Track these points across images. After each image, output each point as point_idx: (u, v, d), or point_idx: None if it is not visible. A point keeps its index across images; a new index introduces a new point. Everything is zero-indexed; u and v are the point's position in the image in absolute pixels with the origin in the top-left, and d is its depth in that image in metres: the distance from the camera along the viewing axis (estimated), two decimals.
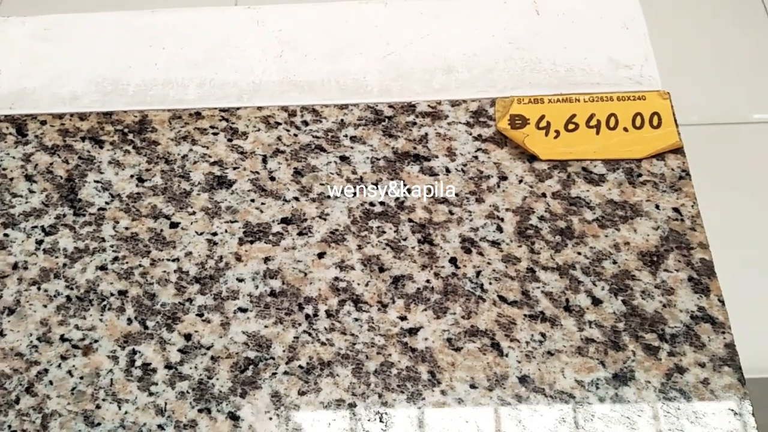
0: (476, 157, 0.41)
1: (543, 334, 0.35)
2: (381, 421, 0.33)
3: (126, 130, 0.43)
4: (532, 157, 0.40)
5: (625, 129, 0.41)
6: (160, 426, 0.33)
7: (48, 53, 0.47)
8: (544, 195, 0.39)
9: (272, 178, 0.41)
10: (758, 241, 1.26)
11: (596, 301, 0.35)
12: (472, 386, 0.33)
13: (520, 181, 0.40)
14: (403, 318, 0.36)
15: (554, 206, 0.39)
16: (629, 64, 0.44)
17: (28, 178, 0.42)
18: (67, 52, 0.47)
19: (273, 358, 0.35)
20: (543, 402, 0.33)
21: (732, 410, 0.32)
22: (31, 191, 0.41)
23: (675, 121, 0.41)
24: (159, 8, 0.50)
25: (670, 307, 0.35)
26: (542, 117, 0.41)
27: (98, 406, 0.34)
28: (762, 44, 1.58)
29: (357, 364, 0.34)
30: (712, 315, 0.35)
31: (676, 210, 0.38)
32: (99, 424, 0.34)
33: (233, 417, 0.33)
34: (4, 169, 0.42)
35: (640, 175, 0.39)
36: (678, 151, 0.40)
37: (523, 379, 0.33)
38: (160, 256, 0.38)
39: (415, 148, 0.41)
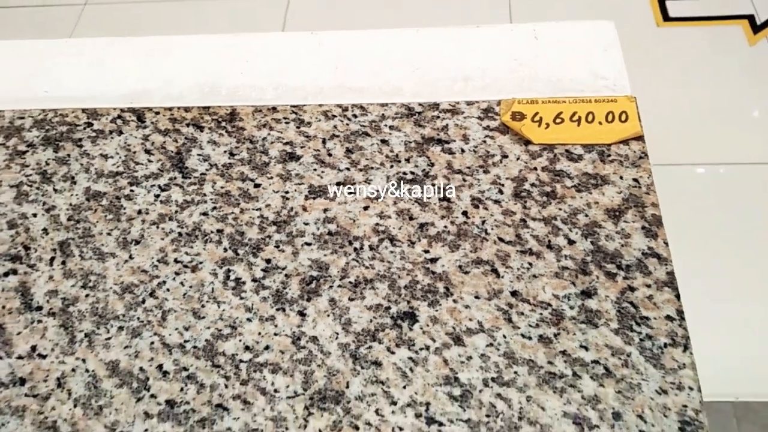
0: (484, 141, 0.53)
1: (530, 263, 0.47)
2: (408, 318, 0.45)
3: (220, 119, 0.57)
4: (527, 142, 0.53)
5: (600, 123, 0.53)
6: (248, 319, 0.46)
7: (159, 65, 0.62)
8: (535, 168, 0.52)
9: (329, 154, 0.54)
10: (724, 271, 1.36)
11: (571, 242, 0.47)
12: (476, 297, 0.45)
13: (517, 159, 0.52)
14: (426, 251, 0.48)
15: (542, 176, 0.51)
16: (606, 76, 0.57)
17: (147, 151, 0.56)
18: (172, 64, 0.62)
19: (330, 276, 0.47)
20: (528, 308, 0.45)
21: (669, 316, 0.43)
22: (150, 161, 0.55)
23: (638, 117, 0.53)
24: (240, 32, 0.65)
25: (626, 246, 0.47)
26: (536, 113, 0.54)
27: (203, 306, 0.47)
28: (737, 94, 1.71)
29: (392, 281, 0.47)
30: (658, 252, 0.46)
31: (635, 180, 0.50)
32: (203, 317, 0.46)
33: (301, 314, 0.46)
34: (129, 145, 0.56)
35: (609, 155, 0.52)
36: (639, 138, 0.52)
37: (514, 293, 0.45)
38: (246, 207, 0.52)
39: (438, 134, 0.54)
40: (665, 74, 1.72)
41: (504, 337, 0.44)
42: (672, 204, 1.49)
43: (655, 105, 1.63)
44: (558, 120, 0.54)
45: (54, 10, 2.10)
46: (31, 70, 0.63)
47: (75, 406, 0.43)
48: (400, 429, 0.41)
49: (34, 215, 0.53)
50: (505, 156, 0.52)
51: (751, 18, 1.96)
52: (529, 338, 0.43)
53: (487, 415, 0.41)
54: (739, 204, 1.46)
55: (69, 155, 0.56)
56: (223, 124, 0.57)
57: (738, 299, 1.32)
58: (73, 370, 0.45)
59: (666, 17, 1.99)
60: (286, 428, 0.41)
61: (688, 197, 1.47)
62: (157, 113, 0.58)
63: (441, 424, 0.41)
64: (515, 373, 0.42)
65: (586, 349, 0.43)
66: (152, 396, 0.43)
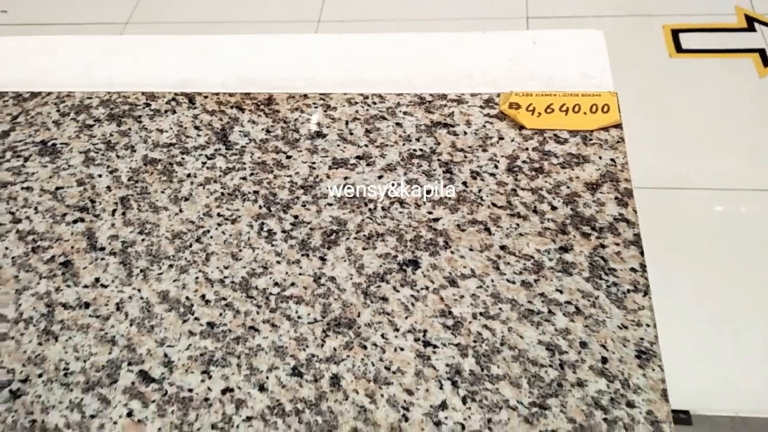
0: (484, 126, 0.62)
1: (518, 224, 0.55)
2: (411, 265, 0.53)
3: (259, 103, 0.67)
4: (521, 127, 0.62)
5: (585, 113, 0.62)
6: (278, 261, 0.54)
7: (205, 59, 0.72)
8: (527, 149, 0.60)
9: (351, 133, 0.63)
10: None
11: (553, 208, 0.56)
12: (470, 249, 0.54)
13: (512, 140, 0.61)
14: (429, 212, 0.56)
15: (533, 155, 0.59)
16: (593, 75, 0.65)
17: (196, 127, 0.65)
18: (217, 58, 0.72)
19: (347, 230, 0.56)
20: (514, 260, 0.53)
21: (633, 268, 0.51)
22: (198, 135, 0.65)
23: (618, 108, 0.62)
24: (278, 33, 0.75)
25: (601, 212, 0.55)
26: (530, 104, 0.63)
27: (240, 250, 0.56)
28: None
29: (399, 235, 0.55)
30: (627, 218, 0.54)
31: (612, 160, 0.58)
32: (240, 259, 0.55)
33: (322, 259, 0.54)
34: (181, 122, 0.66)
35: (591, 139, 0.60)
36: (618, 126, 0.61)
37: (503, 247, 0.54)
38: (279, 173, 0.61)
39: (444, 119, 0.63)
40: (677, 102, 1.80)
41: (492, 281, 0.52)
42: (676, 225, 1.55)
43: (666, 131, 1.70)
44: (549, 110, 0.62)
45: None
46: (94, 61, 0.73)
47: (131, 325, 0.52)
48: (401, 349, 0.49)
49: (99, 176, 0.62)
50: (501, 138, 0.61)
51: (761, 51, 2.04)
52: (513, 282, 0.51)
53: (474, 341, 0.49)
54: (740, 226, 1.52)
55: (130, 129, 0.66)
56: (261, 107, 0.67)
57: (733, 318, 1.37)
58: (130, 297, 0.53)
59: (678, 49, 2.07)
60: (307, 346, 0.49)
61: (693, 219, 1.53)
62: (206, 97, 0.68)
63: (435, 346, 0.49)
64: (500, 309, 0.50)
65: (561, 292, 0.50)
66: (196, 319, 0.52)
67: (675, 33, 2.12)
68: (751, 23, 2.18)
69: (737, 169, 1.64)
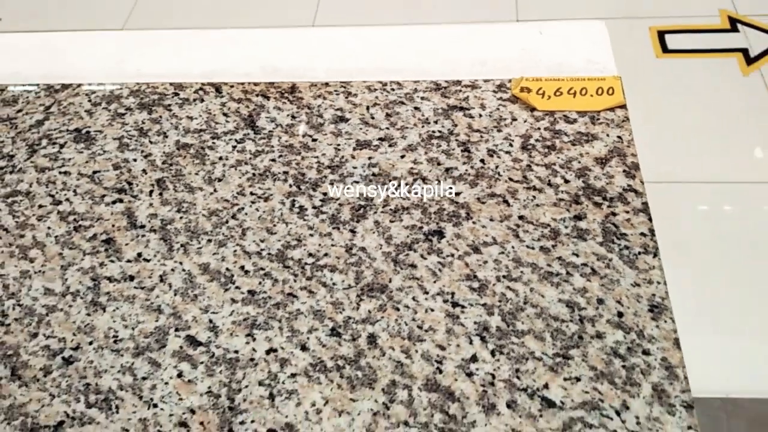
0: (498, 108, 0.66)
1: (534, 196, 0.59)
2: (436, 235, 0.57)
3: (283, 91, 0.71)
4: (533, 109, 0.66)
5: (591, 95, 0.66)
6: (310, 234, 0.58)
7: (228, 52, 0.76)
8: (539, 128, 0.64)
9: (372, 117, 0.67)
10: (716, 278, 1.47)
11: (566, 181, 0.60)
12: (491, 219, 0.58)
13: (525, 121, 0.65)
14: (450, 188, 0.60)
15: (544, 134, 0.64)
16: (597, 62, 0.70)
17: (225, 114, 0.69)
18: (239, 51, 0.76)
19: (374, 205, 0.60)
20: (532, 228, 0.57)
21: (642, 233, 0.55)
22: (227, 121, 0.68)
23: (622, 91, 0.66)
24: (306, 27, 0.79)
25: (611, 184, 0.59)
26: (540, 88, 0.67)
27: (274, 225, 0.59)
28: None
29: (424, 209, 0.59)
30: (635, 188, 0.58)
31: (618, 137, 0.63)
32: (275, 233, 0.59)
33: (352, 231, 0.58)
34: (209, 110, 0.70)
35: (599, 118, 0.64)
36: (623, 107, 0.65)
37: (521, 217, 0.58)
38: (306, 155, 0.64)
39: (460, 103, 0.67)
40: (664, 101, 1.86)
41: (513, 247, 0.56)
42: (666, 218, 1.60)
43: (654, 129, 1.76)
44: (558, 93, 0.67)
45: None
46: (122, 55, 0.77)
47: (175, 294, 0.55)
48: (432, 310, 0.52)
49: (134, 160, 0.66)
50: (514, 119, 0.65)
51: (745, 51, 2.11)
52: (532, 248, 0.55)
53: (499, 301, 0.52)
54: (728, 219, 1.57)
55: (161, 116, 0.69)
56: (285, 95, 0.70)
57: (727, 303, 1.41)
58: (173, 269, 0.57)
59: (665, 49, 2.14)
60: (343, 309, 0.53)
61: (682, 212, 1.59)
62: (232, 86, 0.72)
63: (463, 307, 0.52)
64: (521, 272, 0.54)
65: (577, 255, 0.54)
66: (237, 287, 0.55)
67: (661, 34, 2.19)
68: (734, 24, 2.26)
69: (723, 164, 1.70)
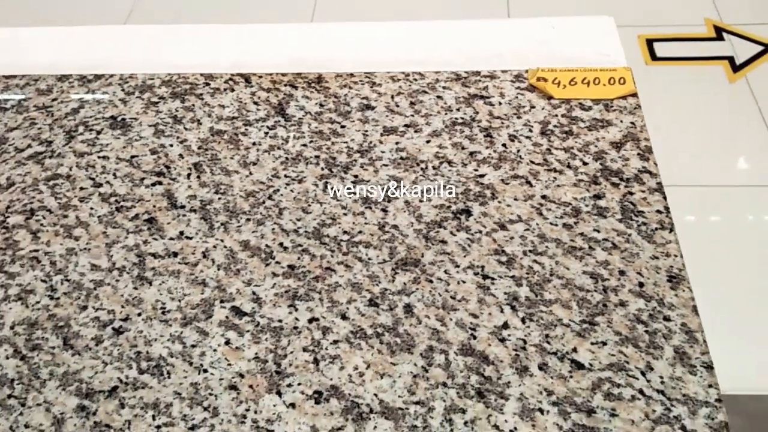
0: (516, 97, 0.70)
1: (555, 177, 0.62)
2: (464, 213, 0.60)
3: (310, 81, 0.74)
4: (549, 98, 0.70)
5: (604, 84, 0.70)
6: (344, 213, 0.61)
7: (256, 45, 0.79)
8: (556, 115, 0.68)
9: (397, 105, 0.70)
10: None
11: (584, 163, 0.63)
12: (515, 199, 0.61)
13: (542, 109, 0.69)
14: (475, 170, 0.64)
15: (562, 120, 0.67)
16: (608, 54, 0.74)
17: (255, 103, 0.72)
18: (266, 45, 0.79)
19: (404, 186, 0.63)
20: (554, 206, 0.60)
21: (659, 210, 0.59)
22: (258, 109, 0.71)
23: (633, 80, 0.70)
24: (330, 21, 0.82)
25: (626, 166, 0.63)
26: (555, 78, 0.71)
27: (309, 205, 0.62)
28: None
29: (450, 189, 0.62)
30: (650, 170, 0.62)
31: (632, 122, 0.66)
32: (310, 213, 0.62)
33: (384, 210, 0.61)
34: (240, 99, 0.73)
35: (612, 106, 0.68)
36: (635, 95, 0.69)
37: (544, 197, 0.61)
38: (335, 140, 0.68)
39: (480, 92, 0.71)
40: (653, 106, 1.92)
41: (537, 224, 0.59)
42: None
43: None
44: (572, 83, 0.70)
45: None
46: (153, 47, 0.80)
47: (218, 269, 0.58)
48: (463, 282, 0.56)
49: (171, 145, 0.68)
50: (533, 107, 0.69)
51: (731, 59, 2.17)
52: (556, 225, 0.59)
53: (527, 273, 0.56)
54: (713, 222, 1.63)
55: (194, 105, 0.72)
56: (313, 85, 0.74)
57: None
58: (215, 246, 0.60)
59: (654, 57, 2.20)
60: (379, 282, 0.56)
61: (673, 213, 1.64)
62: (260, 77, 0.75)
63: (493, 279, 0.56)
64: (546, 246, 0.57)
65: (598, 231, 0.58)
66: (277, 262, 0.58)
67: (650, 42, 2.25)
68: (719, 33, 2.32)
69: (710, 167, 1.76)
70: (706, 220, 1.64)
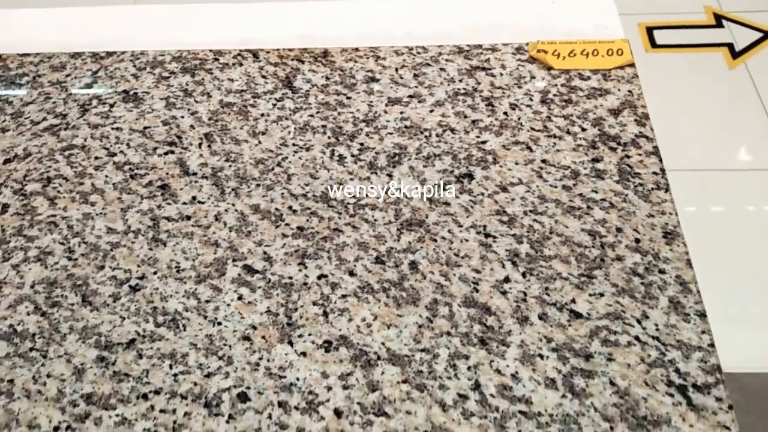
0: (517, 68, 0.72)
1: (554, 143, 0.64)
2: (467, 177, 0.62)
3: (316, 56, 0.76)
4: (549, 68, 0.72)
5: (602, 56, 0.72)
6: (350, 179, 0.63)
7: (264, 21, 0.81)
8: (556, 85, 0.70)
9: (401, 77, 0.73)
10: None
11: (583, 129, 0.65)
12: (516, 163, 0.63)
13: (542, 79, 0.71)
14: (477, 137, 0.66)
15: (561, 90, 0.69)
16: (605, 26, 0.76)
17: (263, 77, 0.74)
18: (275, 21, 0.81)
19: (408, 153, 0.65)
20: (554, 170, 0.62)
21: (654, 172, 0.61)
22: (266, 82, 0.74)
23: (630, 51, 0.72)
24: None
25: (624, 131, 0.65)
26: (555, 50, 0.73)
27: (316, 171, 0.64)
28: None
29: (453, 155, 0.64)
30: (646, 134, 0.64)
31: (629, 91, 0.68)
32: (318, 178, 0.64)
33: (389, 175, 0.63)
34: (248, 73, 0.75)
35: (610, 75, 0.70)
36: (632, 65, 0.71)
37: (544, 161, 0.63)
38: (342, 111, 0.70)
39: (482, 64, 0.73)
40: (653, 95, 1.94)
41: (537, 186, 0.61)
42: None
43: None
44: (572, 54, 0.73)
45: None
46: (163, 25, 0.82)
47: (230, 231, 0.60)
48: (466, 240, 0.58)
49: (182, 117, 0.71)
50: (533, 77, 0.71)
51: (730, 46, 2.19)
52: (555, 187, 0.61)
53: (527, 231, 0.58)
54: (712, 205, 1.65)
55: (203, 79, 0.74)
56: (319, 59, 0.76)
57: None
58: (226, 210, 0.62)
59: (653, 44, 2.22)
60: (385, 241, 0.58)
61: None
62: (268, 52, 0.77)
63: (495, 237, 0.58)
64: (546, 207, 0.59)
65: (596, 192, 0.60)
66: (286, 224, 0.60)
67: (650, 30, 2.27)
68: (719, 20, 2.34)
69: (710, 151, 1.78)
70: (706, 204, 1.66)
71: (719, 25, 2.29)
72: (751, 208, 1.68)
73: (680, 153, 1.74)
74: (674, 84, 2.01)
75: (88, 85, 0.75)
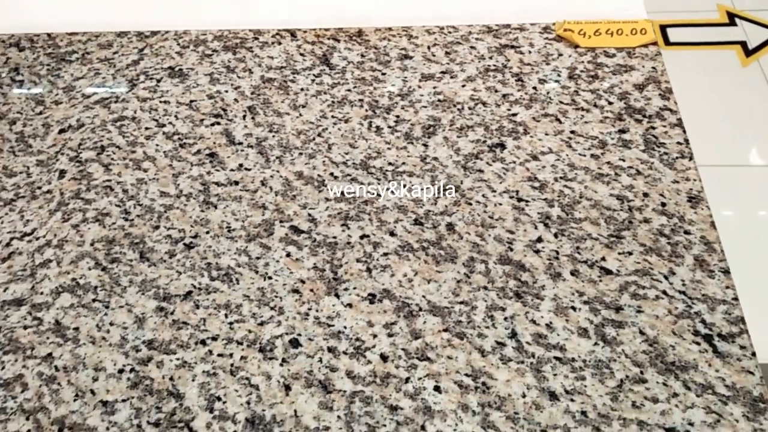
0: (545, 46, 0.75)
1: (582, 115, 0.68)
2: (499, 147, 0.66)
3: (351, 35, 0.80)
4: (576, 46, 0.75)
5: (627, 35, 0.75)
6: (388, 148, 0.67)
7: (302, 3, 0.85)
8: (583, 62, 0.73)
9: (433, 55, 0.76)
10: None
11: (610, 103, 0.69)
12: (546, 134, 0.66)
13: (569, 56, 0.74)
14: (508, 110, 0.69)
15: (588, 66, 0.73)
16: (627, 8, 0.79)
17: (301, 54, 0.78)
18: (311, 3, 0.85)
19: (442, 124, 0.68)
20: (582, 140, 0.66)
21: (679, 142, 0.64)
22: (304, 60, 0.77)
23: (653, 31, 0.75)
24: None
25: (649, 105, 0.68)
26: (581, 29, 0.76)
27: (355, 141, 0.68)
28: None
29: (486, 126, 0.68)
30: (670, 107, 0.67)
31: (653, 67, 0.72)
32: (357, 147, 0.67)
33: (425, 145, 0.67)
34: (287, 51, 0.78)
35: (634, 53, 0.73)
36: (655, 44, 0.74)
37: (573, 132, 0.66)
38: (377, 86, 0.73)
39: (511, 42, 0.76)
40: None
41: (567, 155, 0.64)
42: None
43: None
44: (597, 33, 0.76)
45: None
46: (203, 7, 0.86)
47: (276, 195, 0.64)
48: (500, 204, 0.61)
49: (226, 91, 0.74)
50: (560, 54, 0.74)
51: (743, 44, 2.21)
52: (584, 155, 0.64)
53: (558, 196, 0.61)
54: (722, 204, 1.68)
55: (245, 56, 0.78)
56: (354, 38, 0.79)
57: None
58: (271, 176, 0.65)
59: (667, 42, 2.24)
60: (423, 205, 0.62)
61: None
62: (305, 32, 0.81)
63: (527, 201, 0.61)
64: (576, 173, 0.63)
65: (623, 160, 0.63)
66: (329, 189, 0.64)
67: (663, 28, 2.29)
68: (732, 19, 2.36)
69: (723, 148, 1.80)
70: (719, 200, 1.68)
71: (732, 23, 2.31)
72: (765, 203, 1.70)
73: (693, 150, 1.77)
74: (687, 81, 2.04)
75: (135, 62, 0.79)
